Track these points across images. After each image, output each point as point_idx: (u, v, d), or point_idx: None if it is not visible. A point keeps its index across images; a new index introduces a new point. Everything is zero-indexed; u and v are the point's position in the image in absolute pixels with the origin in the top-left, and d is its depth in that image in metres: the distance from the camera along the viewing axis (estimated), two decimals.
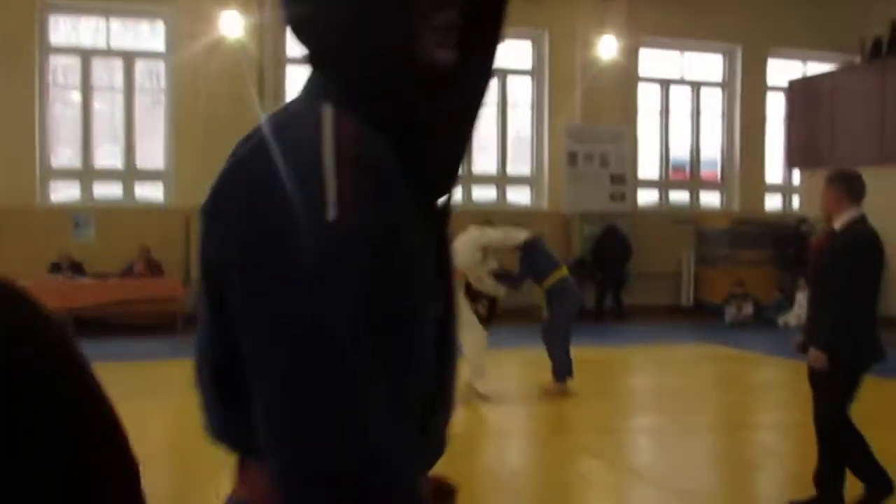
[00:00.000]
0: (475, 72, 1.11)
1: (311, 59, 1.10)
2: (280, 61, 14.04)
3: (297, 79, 14.26)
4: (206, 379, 1.10)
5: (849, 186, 4.62)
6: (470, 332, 7.46)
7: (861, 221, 4.61)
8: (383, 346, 0.98)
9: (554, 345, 7.98)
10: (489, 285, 7.94)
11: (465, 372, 7.66)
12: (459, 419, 7.37)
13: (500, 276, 8.19)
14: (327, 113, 1.00)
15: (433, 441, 1.16)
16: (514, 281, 8.36)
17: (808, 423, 4.66)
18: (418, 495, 1.01)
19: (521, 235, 8.14)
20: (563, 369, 7.95)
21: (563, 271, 8.12)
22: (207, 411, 1.13)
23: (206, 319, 1.07)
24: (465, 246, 7.63)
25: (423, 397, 1.08)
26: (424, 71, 1.04)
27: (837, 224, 4.63)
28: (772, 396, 8.33)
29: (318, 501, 0.94)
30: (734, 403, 8.43)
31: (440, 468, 1.18)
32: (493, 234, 8.04)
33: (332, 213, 0.93)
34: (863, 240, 4.59)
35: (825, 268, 4.68)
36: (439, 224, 1.13)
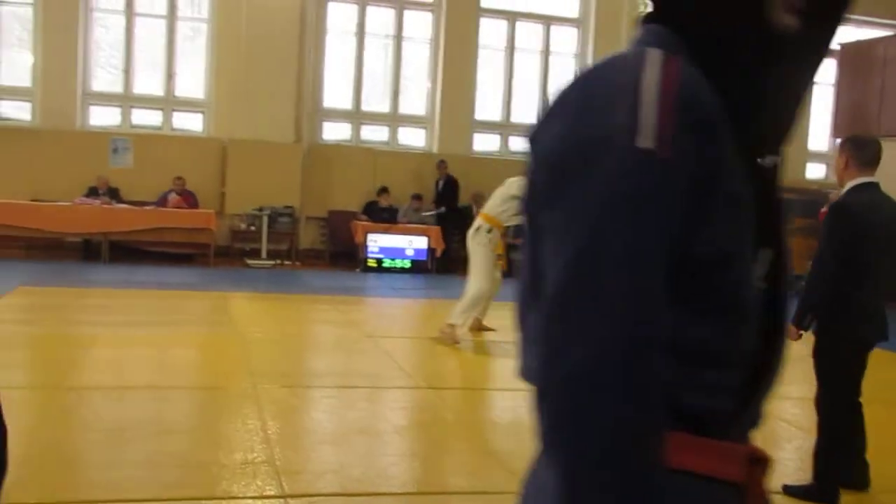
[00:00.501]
0: (814, 40, 1.10)
1: (657, 7, 1.09)
2: None
3: (338, 15, 14.14)
4: (524, 319, 1.10)
5: (856, 151, 4.28)
6: (480, 278, 7.72)
7: (858, 190, 4.24)
8: (680, 287, 0.96)
9: None
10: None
11: (452, 309, 7.90)
12: (466, 368, 7.43)
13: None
14: (655, 51, 0.99)
15: (752, 409, 1.10)
16: None
17: None
18: (654, 454, 0.92)
19: None
20: None
21: None
22: (523, 352, 1.10)
23: (526, 250, 1.07)
24: (496, 198, 7.95)
25: (737, 363, 1.04)
26: (767, 31, 1.02)
27: (843, 192, 4.34)
28: (799, 369, 8.22)
29: (556, 406, 0.93)
30: None
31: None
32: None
33: (644, 141, 0.92)
34: (835, 211, 4.24)
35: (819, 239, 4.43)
36: (766, 186, 1.09)
